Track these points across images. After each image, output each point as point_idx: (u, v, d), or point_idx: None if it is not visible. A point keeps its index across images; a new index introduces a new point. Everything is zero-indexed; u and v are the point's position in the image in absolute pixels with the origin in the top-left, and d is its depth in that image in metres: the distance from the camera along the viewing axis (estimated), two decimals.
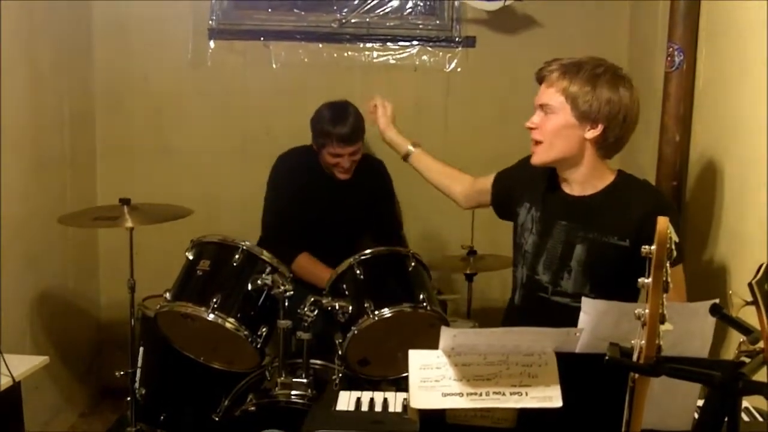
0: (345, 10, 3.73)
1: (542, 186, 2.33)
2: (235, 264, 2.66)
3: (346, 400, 1.90)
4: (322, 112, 3.25)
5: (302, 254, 3.24)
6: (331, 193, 3.33)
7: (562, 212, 2.26)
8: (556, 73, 2.17)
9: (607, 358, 1.20)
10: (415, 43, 3.74)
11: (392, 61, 3.76)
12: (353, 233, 3.43)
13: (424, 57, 3.76)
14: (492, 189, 2.53)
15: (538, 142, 2.22)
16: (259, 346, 2.62)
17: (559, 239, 2.24)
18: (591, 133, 2.17)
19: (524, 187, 2.38)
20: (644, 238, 2.08)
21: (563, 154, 2.20)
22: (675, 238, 1.17)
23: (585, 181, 2.24)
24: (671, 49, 2.65)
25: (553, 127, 2.18)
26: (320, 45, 3.75)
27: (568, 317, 1.53)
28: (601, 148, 2.20)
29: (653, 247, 1.14)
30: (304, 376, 2.62)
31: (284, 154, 3.40)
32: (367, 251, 2.73)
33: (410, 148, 2.70)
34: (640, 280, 1.18)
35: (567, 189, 2.28)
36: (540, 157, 2.23)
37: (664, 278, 1.15)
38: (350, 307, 2.61)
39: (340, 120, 3.20)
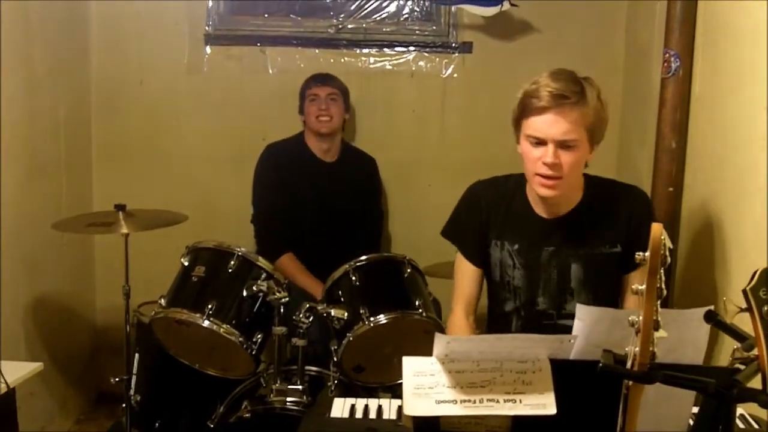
0: (342, 15, 3.73)
1: (502, 219, 2.22)
2: (230, 270, 2.65)
3: (340, 407, 1.90)
4: None
5: (286, 254, 3.28)
6: (318, 177, 3.40)
7: (544, 238, 2.17)
8: (576, 104, 1.97)
9: (600, 365, 1.20)
10: (411, 48, 3.74)
11: (389, 67, 3.76)
12: (338, 217, 3.43)
13: (421, 63, 3.75)
14: (469, 254, 2.30)
15: (555, 177, 2.02)
16: (254, 352, 2.62)
17: (551, 265, 2.17)
18: (593, 154, 2.09)
19: (484, 226, 2.25)
20: (634, 239, 2.09)
21: (576, 181, 2.12)
22: (669, 244, 1.16)
23: (567, 198, 2.15)
24: (667, 56, 2.65)
25: (576, 162, 2.02)
26: (317, 51, 3.74)
27: None
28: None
29: (647, 254, 1.14)
30: (299, 382, 2.61)
31: (271, 144, 3.46)
32: (363, 258, 2.72)
33: None
34: (633, 286, 1.18)
35: (541, 212, 2.17)
36: (558, 191, 2.05)
37: (658, 285, 1.15)
38: (345, 314, 2.60)
39: (319, 73, 3.49)
